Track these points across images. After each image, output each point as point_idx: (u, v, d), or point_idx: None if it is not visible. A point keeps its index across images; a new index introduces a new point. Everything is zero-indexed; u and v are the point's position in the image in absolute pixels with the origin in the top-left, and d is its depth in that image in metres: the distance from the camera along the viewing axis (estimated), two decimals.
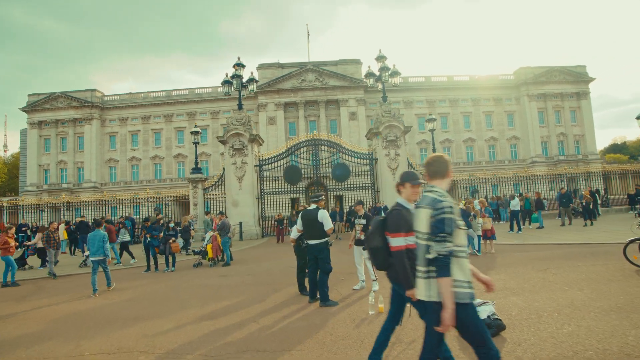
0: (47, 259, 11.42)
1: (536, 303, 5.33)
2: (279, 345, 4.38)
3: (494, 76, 52.06)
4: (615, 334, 4.02)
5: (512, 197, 16.86)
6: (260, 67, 47.34)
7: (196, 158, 22.93)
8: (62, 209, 27.84)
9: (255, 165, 20.09)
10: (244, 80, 19.83)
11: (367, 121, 45.26)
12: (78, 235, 17.09)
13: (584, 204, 17.03)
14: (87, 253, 12.04)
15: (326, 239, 6.25)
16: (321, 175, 21.44)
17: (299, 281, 6.99)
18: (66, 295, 8.15)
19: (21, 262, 12.55)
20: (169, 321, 5.65)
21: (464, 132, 50.10)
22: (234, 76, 19.38)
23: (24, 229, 20.77)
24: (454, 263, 2.39)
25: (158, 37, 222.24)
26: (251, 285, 8.07)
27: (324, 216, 6.21)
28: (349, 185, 21.00)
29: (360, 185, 21.01)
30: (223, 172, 20.52)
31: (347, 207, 20.52)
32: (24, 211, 27.28)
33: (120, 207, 27.05)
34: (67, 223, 17.92)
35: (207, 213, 17.68)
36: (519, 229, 15.33)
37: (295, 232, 6.87)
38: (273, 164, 20.58)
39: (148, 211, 23.62)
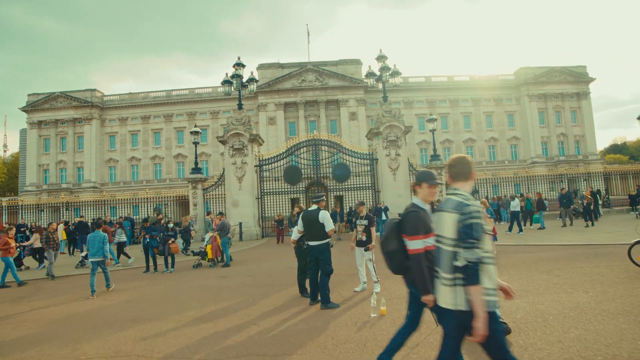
0: (45, 257, 11.35)
1: (541, 306, 5.25)
2: (279, 349, 4.29)
3: (494, 76, 52.01)
4: (624, 338, 3.93)
5: (513, 198, 16.76)
6: (260, 67, 47.27)
7: (196, 158, 22.88)
8: (61, 209, 27.80)
9: (255, 166, 20.01)
10: (244, 80, 19.78)
11: (367, 121, 45.22)
12: (77, 235, 17.01)
13: (584, 204, 16.96)
14: (84, 253, 11.99)
15: (327, 240, 6.17)
16: (321, 175, 21.36)
17: (300, 283, 6.90)
18: (64, 297, 8.06)
19: (17, 262, 12.45)
20: (167, 323, 5.57)
21: (464, 132, 50.08)
22: (234, 76, 19.32)
23: (22, 229, 20.60)
24: (482, 270, 2.28)
25: (158, 37, 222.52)
26: (251, 287, 7.97)
27: (325, 217, 6.13)
28: (349, 186, 20.92)
29: (361, 185, 20.94)
30: (223, 172, 20.44)
31: (348, 207, 20.45)
32: (24, 211, 27.19)
33: (120, 207, 26.94)
34: (66, 223, 17.80)
35: (208, 213, 17.61)
36: (520, 230, 15.23)
37: (295, 233, 6.80)
38: (273, 164, 20.50)
39: (148, 211, 23.50)
